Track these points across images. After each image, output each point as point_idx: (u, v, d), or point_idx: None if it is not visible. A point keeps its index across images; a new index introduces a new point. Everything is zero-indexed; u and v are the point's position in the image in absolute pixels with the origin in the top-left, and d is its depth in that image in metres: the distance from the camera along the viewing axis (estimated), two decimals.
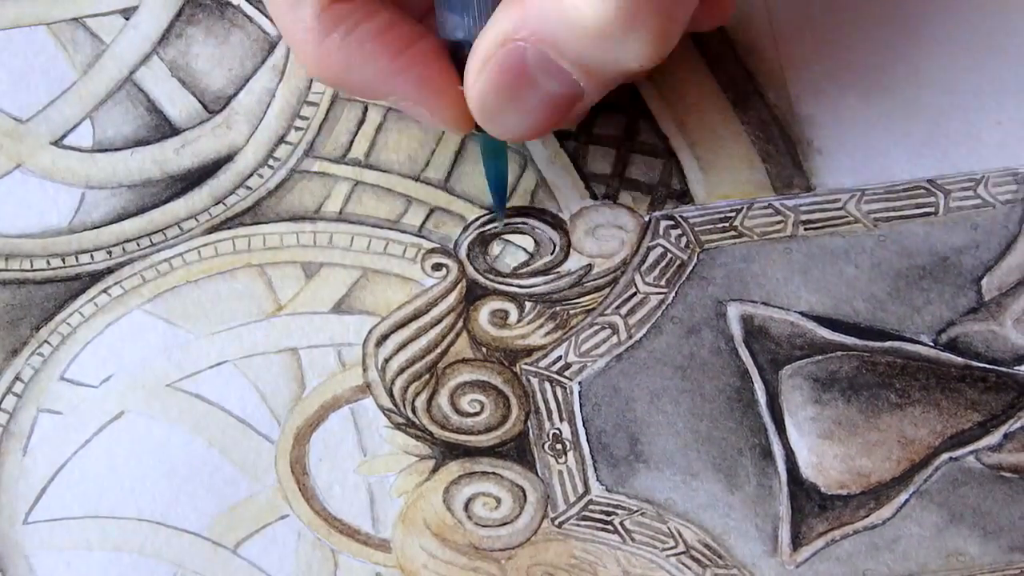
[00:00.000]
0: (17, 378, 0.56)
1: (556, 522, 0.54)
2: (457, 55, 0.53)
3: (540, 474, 0.54)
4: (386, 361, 0.56)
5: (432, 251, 0.58)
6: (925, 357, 0.56)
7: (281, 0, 0.52)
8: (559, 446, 0.55)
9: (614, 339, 0.56)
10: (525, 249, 0.57)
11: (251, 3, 0.61)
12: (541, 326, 0.56)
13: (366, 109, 0.59)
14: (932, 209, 0.58)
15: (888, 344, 0.56)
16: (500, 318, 0.56)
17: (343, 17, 0.52)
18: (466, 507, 0.54)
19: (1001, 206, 0.58)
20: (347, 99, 0.60)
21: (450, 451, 0.55)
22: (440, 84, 0.52)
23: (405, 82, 0.52)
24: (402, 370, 0.56)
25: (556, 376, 0.56)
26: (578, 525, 0.54)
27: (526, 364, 0.56)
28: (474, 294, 0.57)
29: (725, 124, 0.59)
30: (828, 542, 0.53)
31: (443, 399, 0.56)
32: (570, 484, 0.54)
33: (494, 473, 0.55)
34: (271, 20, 0.59)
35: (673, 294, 0.57)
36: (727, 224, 0.58)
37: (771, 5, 0.61)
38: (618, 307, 0.57)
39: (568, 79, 0.50)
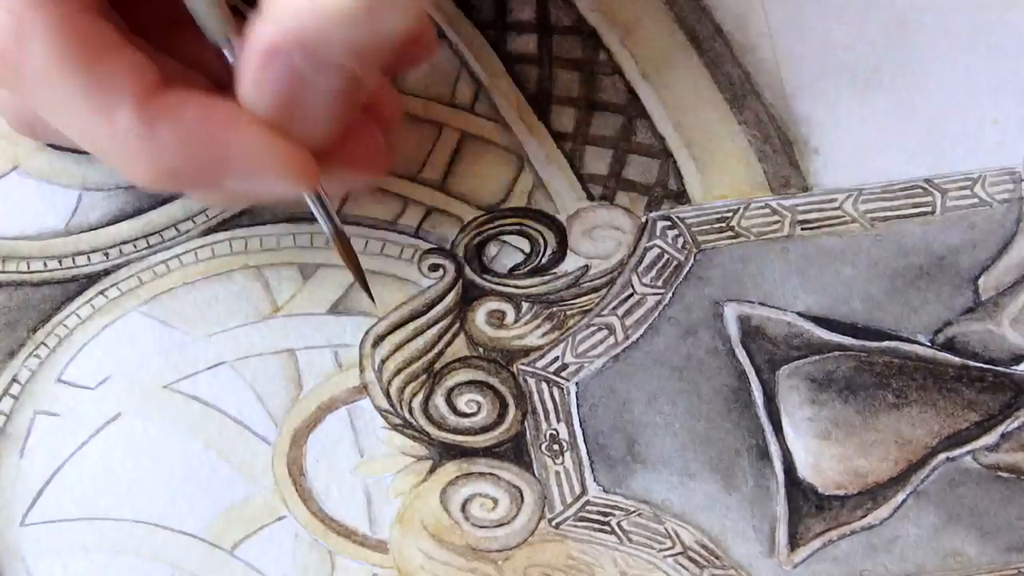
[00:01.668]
0: (14, 380, 0.55)
1: (553, 523, 0.53)
2: None
3: (537, 475, 0.54)
4: (383, 362, 0.55)
5: (429, 252, 0.57)
6: (922, 357, 0.55)
7: (80, 115, 0.47)
8: (556, 447, 0.54)
9: (611, 340, 0.56)
10: (522, 250, 0.57)
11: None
12: (538, 327, 0.56)
13: None
14: (929, 208, 0.57)
15: (885, 344, 0.55)
16: (497, 319, 0.56)
17: (165, 105, 0.47)
18: (463, 508, 0.54)
19: (998, 205, 0.57)
20: None
21: (447, 452, 0.54)
22: (272, 136, 0.48)
23: (250, 146, 0.48)
24: (399, 371, 0.55)
25: (553, 377, 0.55)
26: (575, 526, 0.53)
27: (523, 364, 0.55)
28: (471, 295, 0.56)
29: (722, 124, 0.59)
30: (825, 542, 0.53)
31: (440, 399, 0.55)
32: (567, 485, 0.54)
33: (491, 474, 0.54)
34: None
35: (670, 295, 0.56)
36: (724, 224, 0.57)
37: (767, 5, 0.60)
38: (615, 308, 0.56)
39: (341, 69, 0.47)
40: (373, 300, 0.55)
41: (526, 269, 0.56)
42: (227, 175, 0.48)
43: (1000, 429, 0.54)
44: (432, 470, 0.54)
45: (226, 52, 0.49)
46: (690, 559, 0.53)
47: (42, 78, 0.47)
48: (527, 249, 0.57)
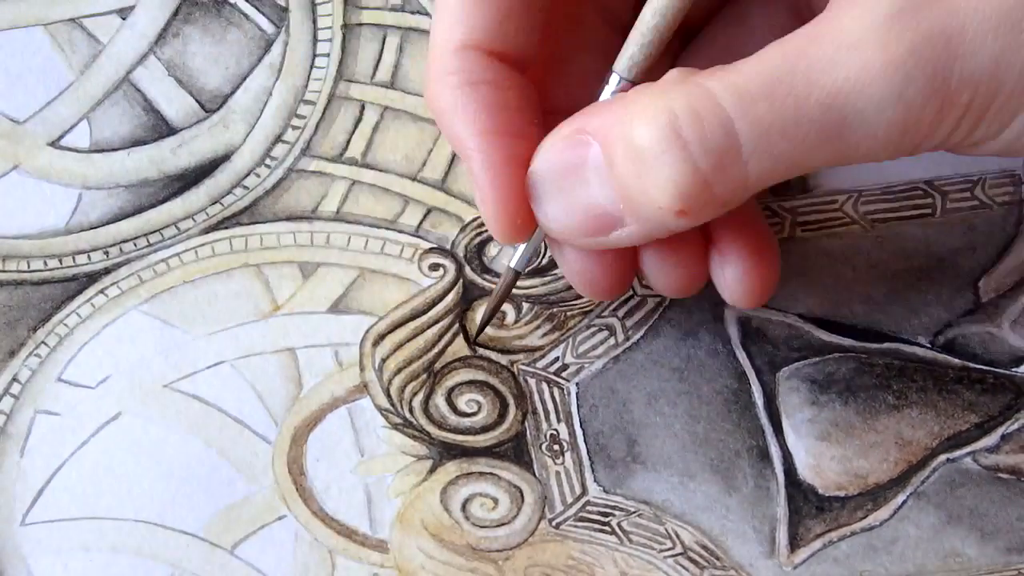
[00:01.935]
0: (14, 379, 0.55)
1: (553, 523, 0.53)
2: None
3: (537, 475, 0.54)
4: (383, 361, 0.55)
5: (429, 251, 0.57)
6: (922, 358, 0.55)
7: (446, 16, 0.50)
8: (556, 447, 0.54)
9: (611, 341, 0.55)
10: None
11: (248, 1, 0.61)
12: (538, 327, 0.56)
13: (363, 108, 0.59)
14: (929, 210, 0.57)
15: (886, 346, 0.55)
16: (498, 318, 0.56)
17: (473, 67, 0.49)
18: (463, 508, 0.54)
19: (998, 208, 0.57)
20: (344, 98, 0.59)
21: (447, 451, 0.54)
22: (507, 185, 0.49)
23: (479, 160, 0.49)
24: (399, 370, 0.55)
25: (553, 377, 0.55)
26: (575, 526, 0.53)
27: (523, 365, 0.55)
28: (471, 294, 0.56)
29: None
30: (825, 543, 0.53)
31: (440, 399, 0.55)
32: (567, 485, 0.54)
33: (492, 473, 0.54)
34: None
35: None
36: None
37: None
38: (615, 309, 0.56)
39: (612, 195, 0.48)
40: (472, 344, 0.56)
41: (527, 270, 0.56)
42: (464, 161, 0.50)
43: (1000, 431, 0.54)
44: (432, 470, 0.54)
45: (610, 88, 0.50)
46: (690, 560, 0.53)
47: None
48: None
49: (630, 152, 0.46)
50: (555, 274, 0.56)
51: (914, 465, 0.54)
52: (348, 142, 0.59)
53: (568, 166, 0.48)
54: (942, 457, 0.54)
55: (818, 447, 0.54)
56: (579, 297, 0.56)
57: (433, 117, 0.51)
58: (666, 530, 0.53)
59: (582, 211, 0.48)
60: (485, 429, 0.55)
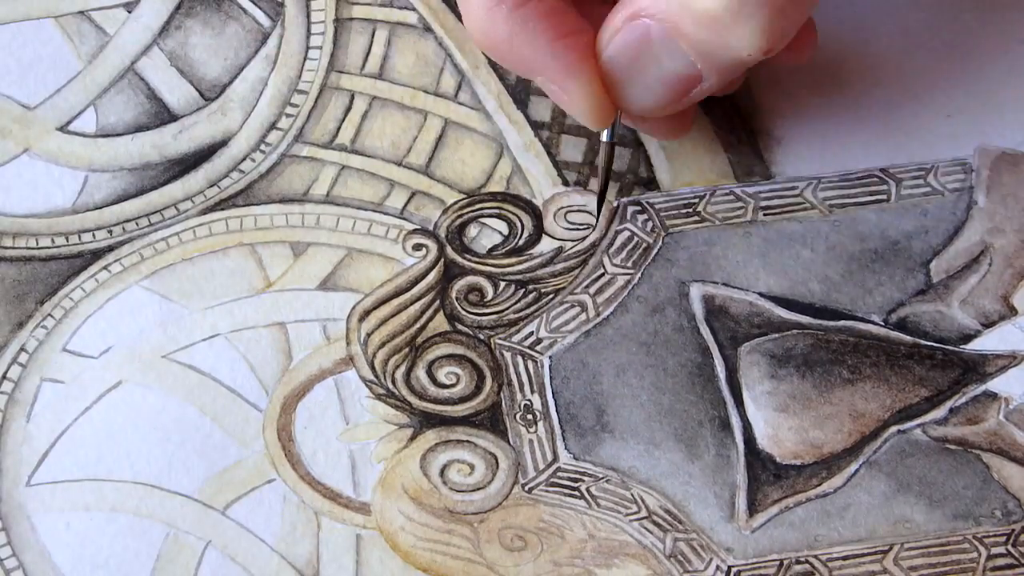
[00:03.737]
0: (22, 349, 0.56)
1: (526, 488, 0.54)
2: None
3: (512, 442, 0.54)
4: (368, 335, 0.56)
5: (413, 232, 0.57)
6: (876, 335, 0.56)
7: None
8: (530, 416, 0.55)
9: (583, 316, 0.56)
10: (500, 232, 0.57)
11: None
12: (514, 304, 0.56)
13: (352, 97, 0.59)
14: (884, 196, 0.58)
15: (841, 323, 0.56)
16: (476, 295, 0.56)
17: None
18: (442, 473, 0.54)
19: (949, 194, 0.58)
20: (335, 88, 0.60)
21: (427, 420, 0.55)
22: (587, 76, 0.52)
23: (555, 67, 0.52)
24: (383, 344, 0.56)
25: (528, 350, 0.56)
26: (547, 491, 0.54)
27: (500, 339, 0.56)
28: (452, 273, 0.57)
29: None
30: (782, 509, 0.53)
31: (421, 371, 0.55)
32: (540, 452, 0.54)
33: (468, 441, 0.54)
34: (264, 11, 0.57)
35: (639, 275, 0.57)
36: (691, 210, 0.58)
37: None
38: (587, 286, 0.56)
39: (687, 60, 0.51)
40: (597, 218, 0.57)
41: (504, 250, 0.57)
42: (536, 73, 0.53)
43: (949, 404, 0.55)
44: (413, 437, 0.55)
45: None
46: (654, 523, 0.53)
47: None
48: (505, 231, 0.57)
49: (702, 20, 0.49)
50: (530, 254, 0.57)
51: (867, 436, 0.54)
52: (338, 129, 0.60)
53: (635, 51, 0.51)
54: (893, 428, 0.54)
55: (776, 418, 0.54)
56: (553, 275, 0.57)
57: (490, 53, 0.54)
58: (632, 495, 0.54)
59: (661, 85, 0.52)
60: (463, 400, 0.55)
